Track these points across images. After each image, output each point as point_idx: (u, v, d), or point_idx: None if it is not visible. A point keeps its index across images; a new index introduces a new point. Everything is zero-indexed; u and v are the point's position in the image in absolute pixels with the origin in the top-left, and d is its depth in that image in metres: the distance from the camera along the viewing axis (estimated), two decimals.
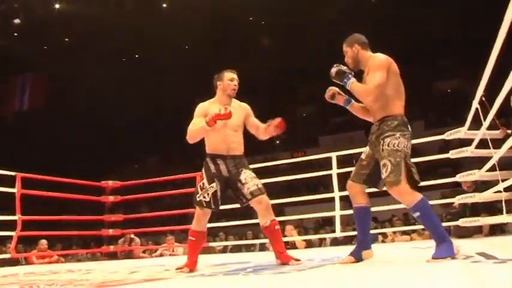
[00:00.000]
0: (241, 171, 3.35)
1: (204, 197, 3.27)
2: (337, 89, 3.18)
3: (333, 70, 3.02)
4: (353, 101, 3.16)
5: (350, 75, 2.96)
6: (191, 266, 3.24)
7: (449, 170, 11.50)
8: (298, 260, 3.24)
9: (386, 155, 2.81)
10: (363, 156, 3.09)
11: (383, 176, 2.82)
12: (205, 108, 3.41)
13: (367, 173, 3.03)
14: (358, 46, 3.11)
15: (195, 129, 3.32)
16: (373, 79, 2.87)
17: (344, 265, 2.99)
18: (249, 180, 3.33)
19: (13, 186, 5.79)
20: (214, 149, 3.39)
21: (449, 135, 5.17)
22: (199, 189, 3.32)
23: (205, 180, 3.32)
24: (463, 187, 5.76)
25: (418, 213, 2.78)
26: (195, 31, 18.54)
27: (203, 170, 3.37)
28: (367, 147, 3.07)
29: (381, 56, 3.00)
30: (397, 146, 2.80)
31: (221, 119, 3.20)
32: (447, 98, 19.39)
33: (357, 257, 3.04)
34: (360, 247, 3.08)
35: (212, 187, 3.28)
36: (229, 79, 3.46)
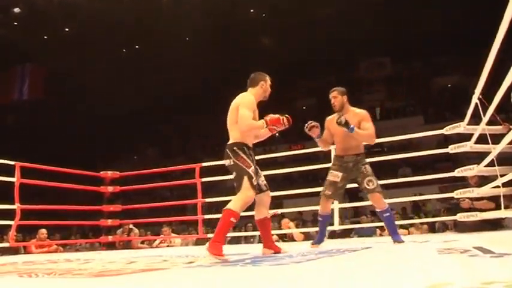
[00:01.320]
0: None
1: (258, 182, 3.41)
2: (317, 124, 4.14)
3: (343, 119, 3.93)
4: (322, 136, 4.26)
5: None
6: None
7: (448, 165, 11.54)
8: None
9: (370, 174, 4.09)
10: (337, 179, 4.18)
11: (370, 187, 4.06)
12: (254, 103, 3.53)
13: (342, 192, 4.29)
14: (345, 97, 4.21)
15: (257, 126, 3.46)
16: (369, 128, 4.09)
17: (341, 257, 3.03)
18: (261, 173, 3.58)
19: (12, 176, 5.80)
20: (249, 141, 3.49)
21: (449, 129, 5.17)
22: (253, 175, 3.33)
23: (253, 167, 3.38)
24: (469, 182, 5.73)
25: (388, 214, 4.15)
26: (196, 23, 18.49)
27: (244, 155, 3.37)
28: (340, 172, 4.17)
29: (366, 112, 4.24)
30: (371, 170, 4.13)
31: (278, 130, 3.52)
32: (447, 94, 19.39)
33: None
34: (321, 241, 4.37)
35: (255, 173, 3.41)
36: (270, 84, 3.70)
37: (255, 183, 3.32)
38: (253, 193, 3.32)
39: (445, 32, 18.69)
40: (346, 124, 3.90)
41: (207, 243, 3.20)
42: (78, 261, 3.95)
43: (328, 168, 6.13)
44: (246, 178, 3.29)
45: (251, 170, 3.34)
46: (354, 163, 4.12)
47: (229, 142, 3.44)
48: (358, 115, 4.14)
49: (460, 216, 5.07)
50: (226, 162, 3.43)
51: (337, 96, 4.17)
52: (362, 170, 4.07)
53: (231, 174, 3.42)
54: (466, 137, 5.11)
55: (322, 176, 15.11)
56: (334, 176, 4.18)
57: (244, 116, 3.36)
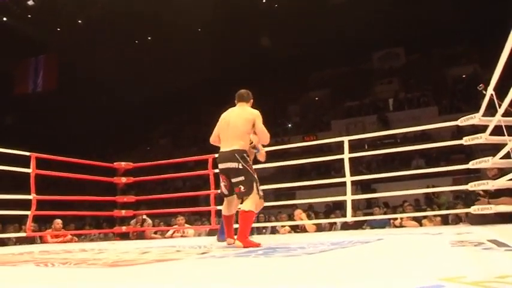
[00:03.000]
0: None
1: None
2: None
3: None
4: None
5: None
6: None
7: (462, 157, 11.42)
8: None
9: None
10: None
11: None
12: None
13: None
14: None
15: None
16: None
17: (353, 249, 3.03)
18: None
19: (28, 167, 5.88)
20: None
21: (463, 121, 5.11)
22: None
23: None
24: (487, 174, 5.60)
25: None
26: (207, 14, 18.46)
27: (251, 163, 3.91)
28: None
29: None
30: None
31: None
32: (461, 84, 19.15)
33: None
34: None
35: None
36: None
37: (260, 187, 3.81)
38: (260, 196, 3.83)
39: (459, 21, 18.42)
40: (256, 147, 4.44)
41: (237, 242, 3.64)
42: (92, 251, 4.01)
43: (340, 160, 6.15)
44: (255, 184, 3.77)
45: (256, 177, 3.83)
46: None
47: (238, 148, 3.81)
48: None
49: (474, 209, 5.01)
50: (233, 164, 3.77)
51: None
52: None
53: (236, 176, 3.77)
54: (480, 129, 5.05)
55: (335, 168, 14.98)
56: None
57: (267, 132, 3.94)
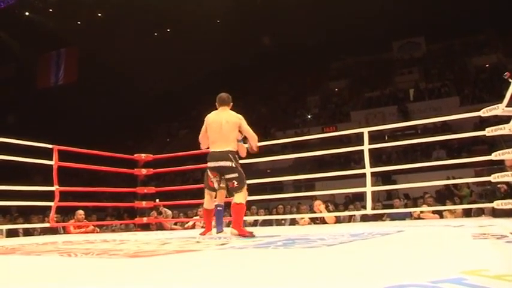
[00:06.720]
0: None
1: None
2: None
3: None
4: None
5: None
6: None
7: (485, 148, 11.23)
8: None
9: None
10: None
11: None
12: None
13: None
14: None
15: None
16: None
17: (373, 241, 3.01)
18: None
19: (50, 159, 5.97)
20: None
21: (486, 112, 5.00)
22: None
23: None
24: (506, 166, 5.44)
25: (221, 208, 4.70)
26: (226, 6, 18.42)
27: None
28: None
29: None
30: None
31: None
32: (484, 74, 18.77)
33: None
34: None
35: None
36: None
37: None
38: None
39: (482, 9, 18.02)
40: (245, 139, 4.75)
41: (232, 230, 4.12)
42: (114, 242, 4.06)
43: (360, 151, 6.11)
44: (245, 181, 4.25)
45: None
46: None
47: (231, 149, 4.24)
48: None
49: (497, 204, 4.92)
50: (227, 163, 4.18)
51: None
52: None
53: (230, 173, 4.19)
54: (504, 119, 4.94)
55: (354, 159, 14.86)
56: None
57: (252, 131, 4.38)
